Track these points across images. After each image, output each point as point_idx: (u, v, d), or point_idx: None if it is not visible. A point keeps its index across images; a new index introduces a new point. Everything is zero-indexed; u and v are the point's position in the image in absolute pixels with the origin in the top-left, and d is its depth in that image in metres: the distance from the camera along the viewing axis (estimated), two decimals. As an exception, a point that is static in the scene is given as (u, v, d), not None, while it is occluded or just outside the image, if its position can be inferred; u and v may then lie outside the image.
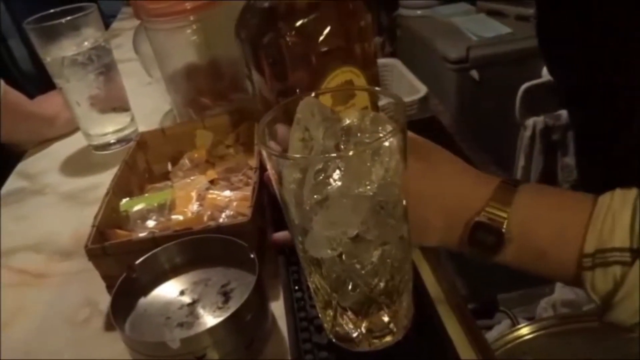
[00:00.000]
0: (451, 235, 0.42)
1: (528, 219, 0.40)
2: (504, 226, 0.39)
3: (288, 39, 0.45)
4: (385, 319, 0.39)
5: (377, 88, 0.48)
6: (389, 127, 0.35)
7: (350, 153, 0.35)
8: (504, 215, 0.39)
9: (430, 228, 0.43)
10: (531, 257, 0.41)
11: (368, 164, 0.33)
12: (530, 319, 0.80)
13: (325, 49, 0.46)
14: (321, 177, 0.33)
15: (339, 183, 0.33)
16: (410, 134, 0.36)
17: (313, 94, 0.38)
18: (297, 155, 0.35)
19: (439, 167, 0.43)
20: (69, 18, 0.76)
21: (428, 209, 0.42)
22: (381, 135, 0.35)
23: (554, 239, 0.39)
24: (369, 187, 0.33)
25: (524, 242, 0.40)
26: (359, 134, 0.36)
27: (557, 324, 0.74)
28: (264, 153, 0.34)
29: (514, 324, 0.84)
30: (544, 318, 0.78)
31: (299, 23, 0.45)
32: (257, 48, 0.49)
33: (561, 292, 0.86)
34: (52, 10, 0.77)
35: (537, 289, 0.97)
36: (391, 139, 0.33)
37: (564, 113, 1.47)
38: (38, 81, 1.05)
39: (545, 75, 1.53)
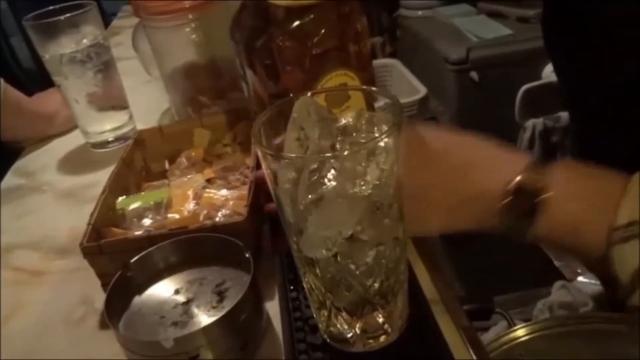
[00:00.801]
0: (478, 208, 0.42)
1: (561, 192, 0.40)
2: (544, 194, 0.39)
3: (281, 42, 0.45)
4: (380, 319, 0.38)
5: (373, 88, 0.48)
6: (385, 127, 0.35)
7: (346, 153, 0.35)
8: (542, 184, 0.39)
9: (437, 209, 0.43)
10: (562, 231, 0.40)
11: (363, 164, 0.33)
12: (527, 321, 0.80)
13: (319, 51, 0.46)
14: (316, 177, 0.33)
15: (334, 183, 0.33)
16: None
17: (309, 94, 0.38)
18: (293, 155, 0.35)
19: (465, 142, 0.44)
20: (68, 15, 0.76)
21: (458, 182, 0.42)
22: (377, 135, 0.35)
23: (586, 213, 0.39)
24: (364, 187, 0.33)
25: (556, 214, 0.40)
26: (354, 134, 0.36)
27: (553, 326, 0.73)
28: (259, 152, 0.34)
29: (511, 325, 0.83)
30: (541, 320, 0.77)
31: (293, 26, 0.45)
32: (251, 50, 0.49)
33: (558, 294, 0.86)
34: (51, 7, 0.77)
35: (534, 291, 0.96)
36: (387, 139, 0.33)
37: (563, 115, 1.47)
38: (40, 79, 1.05)
39: (545, 77, 1.53)
